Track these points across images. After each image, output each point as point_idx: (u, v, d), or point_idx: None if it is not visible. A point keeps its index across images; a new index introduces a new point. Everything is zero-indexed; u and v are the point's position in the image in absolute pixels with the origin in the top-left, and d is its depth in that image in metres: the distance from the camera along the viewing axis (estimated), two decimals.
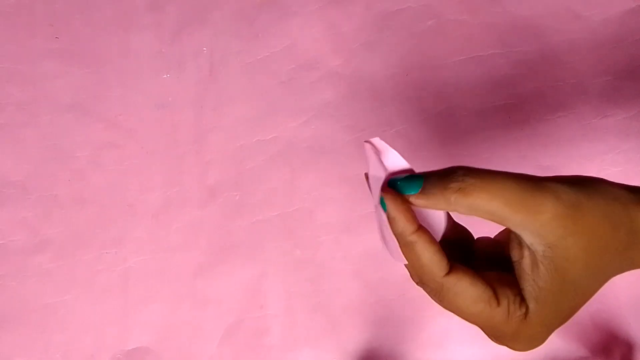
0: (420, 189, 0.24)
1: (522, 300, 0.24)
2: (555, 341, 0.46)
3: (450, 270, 0.24)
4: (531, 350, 0.48)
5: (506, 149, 0.51)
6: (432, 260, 0.24)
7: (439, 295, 0.24)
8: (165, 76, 0.53)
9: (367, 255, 0.48)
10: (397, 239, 0.24)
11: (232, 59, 0.53)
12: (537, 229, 0.22)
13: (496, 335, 0.25)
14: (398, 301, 0.47)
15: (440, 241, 0.26)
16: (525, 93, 0.52)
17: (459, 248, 0.27)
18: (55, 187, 0.51)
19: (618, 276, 0.29)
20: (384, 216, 0.24)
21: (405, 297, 0.47)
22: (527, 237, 0.23)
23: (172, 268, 0.49)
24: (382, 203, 0.24)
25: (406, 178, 0.24)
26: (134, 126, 0.52)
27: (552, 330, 0.25)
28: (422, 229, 0.24)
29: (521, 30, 0.53)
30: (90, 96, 0.53)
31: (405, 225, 0.23)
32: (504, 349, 0.48)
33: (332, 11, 0.53)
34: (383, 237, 0.26)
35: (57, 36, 0.54)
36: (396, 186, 0.24)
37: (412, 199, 0.24)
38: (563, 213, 0.22)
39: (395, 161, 0.25)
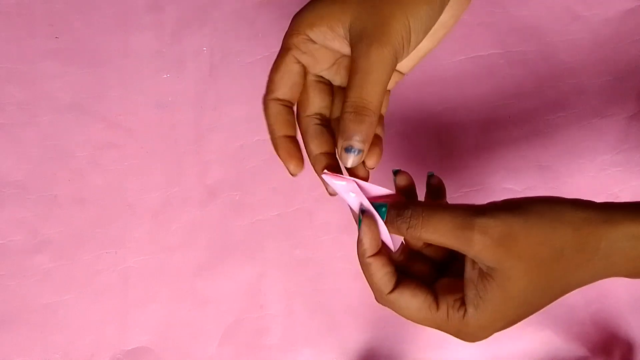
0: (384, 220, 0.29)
1: (462, 304, 0.28)
2: (555, 341, 0.46)
3: (394, 289, 0.29)
4: (530, 350, 0.48)
5: (506, 149, 0.51)
6: (382, 280, 0.29)
7: (390, 306, 0.29)
8: (165, 76, 0.53)
9: None
10: (359, 258, 0.29)
11: (232, 59, 0.53)
12: (473, 255, 0.27)
13: (445, 332, 0.29)
14: None
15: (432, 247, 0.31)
16: (525, 93, 0.52)
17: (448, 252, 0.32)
18: (55, 187, 0.51)
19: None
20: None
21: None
22: (473, 258, 0.27)
23: (171, 268, 0.49)
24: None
25: (374, 206, 0.29)
26: (134, 126, 0.52)
27: (496, 331, 0.29)
28: (379, 253, 0.29)
29: (521, 30, 0.53)
30: (90, 96, 0.53)
31: (368, 248, 0.28)
32: (503, 349, 0.48)
33: None
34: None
35: (57, 36, 0.54)
36: (363, 213, 0.29)
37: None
38: (492, 244, 0.26)
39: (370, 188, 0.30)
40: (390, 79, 0.28)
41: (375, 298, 0.30)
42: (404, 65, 0.34)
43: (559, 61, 0.52)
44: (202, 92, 0.53)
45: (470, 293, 0.28)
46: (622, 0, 0.53)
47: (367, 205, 0.29)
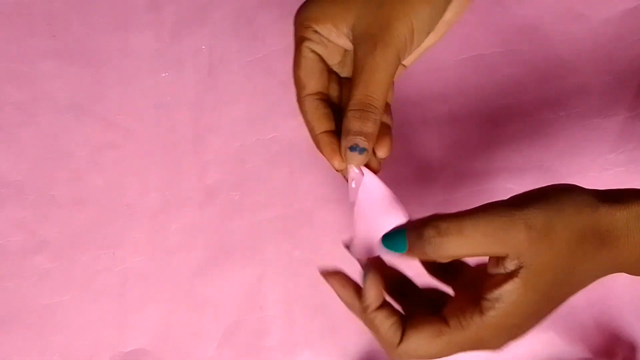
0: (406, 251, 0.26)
1: (474, 310, 0.25)
2: (558, 342, 0.46)
3: (402, 339, 0.26)
4: (533, 352, 0.48)
5: (507, 149, 0.50)
6: (388, 332, 0.26)
7: None
8: (163, 75, 0.53)
9: None
10: (359, 313, 0.28)
11: (232, 58, 0.53)
12: (514, 256, 0.24)
13: (471, 348, 0.27)
14: None
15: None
16: (526, 93, 0.51)
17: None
18: (53, 187, 0.51)
19: (620, 277, 0.29)
20: None
21: None
22: (502, 256, 0.25)
23: (170, 269, 0.49)
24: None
25: (390, 238, 0.27)
26: (133, 126, 0.52)
27: (518, 330, 0.27)
28: (382, 306, 0.27)
29: (521, 29, 0.53)
30: (89, 96, 0.53)
31: (373, 302, 0.27)
32: (506, 351, 0.47)
33: None
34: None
35: (56, 35, 0.54)
36: (383, 248, 0.27)
37: (402, 257, 0.27)
38: (537, 238, 0.24)
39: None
40: (393, 78, 0.29)
41: (387, 353, 0.28)
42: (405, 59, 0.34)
43: (560, 60, 0.52)
44: (202, 92, 0.53)
45: (491, 297, 0.25)
46: (622, 0, 0.53)
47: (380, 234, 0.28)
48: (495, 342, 0.26)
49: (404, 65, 0.35)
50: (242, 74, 0.53)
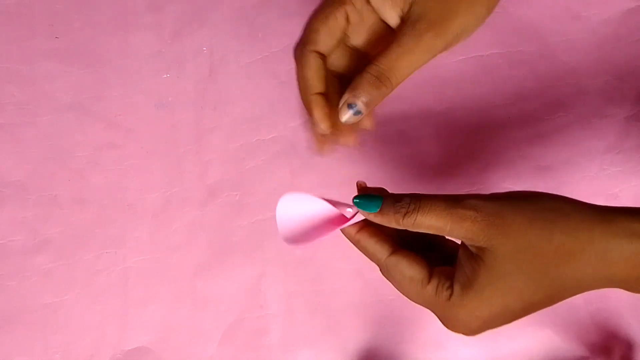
0: (378, 210, 0.28)
1: (451, 285, 0.28)
2: (555, 340, 0.46)
3: (392, 254, 0.29)
4: (530, 350, 0.48)
5: (506, 149, 0.51)
6: (375, 248, 0.30)
7: (387, 275, 0.30)
8: (165, 76, 0.53)
9: None
10: (350, 236, 0.31)
11: (232, 59, 0.53)
12: (464, 235, 0.26)
13: (434, 312, 0.29)
14: (398, 301, 0.47)
15: (428, 247, 0.32)
16: (525, 93, 0.52)
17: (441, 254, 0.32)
18: (55, 187, 0.51)
19: None
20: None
21: (405, 297, 0.47)
22: (464, 241, 0.27)
23: (171, 268, 0.49)
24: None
25: (366, 197, 0.29)
26: (134, 126, 0.52)
27: (483, 320, 0.27)
28: (363, 229, 0.30)
29: (521, 30, 0.53)
30: (90, 96, 0.53)
31: (349, 229, 0.30)
32: (503, 349, 0.48)
33: None
34: None
35: (57, 36, 0.54)
36: (358, 204, 0.30)
37: (371, 217, 0.29)
38: (483, 221, 0.26)
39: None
40: (420, 66, 0.29)
41: (377, 264, 0.30)
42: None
43: (558, 61, 0.52)
44: (202, 92, 0.53)
45: (458, 274, 0.27)
46: (622, 0, 0.53)
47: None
48: (455, 322, 0.28)
49: None
50: (242, 74, 0.53)
